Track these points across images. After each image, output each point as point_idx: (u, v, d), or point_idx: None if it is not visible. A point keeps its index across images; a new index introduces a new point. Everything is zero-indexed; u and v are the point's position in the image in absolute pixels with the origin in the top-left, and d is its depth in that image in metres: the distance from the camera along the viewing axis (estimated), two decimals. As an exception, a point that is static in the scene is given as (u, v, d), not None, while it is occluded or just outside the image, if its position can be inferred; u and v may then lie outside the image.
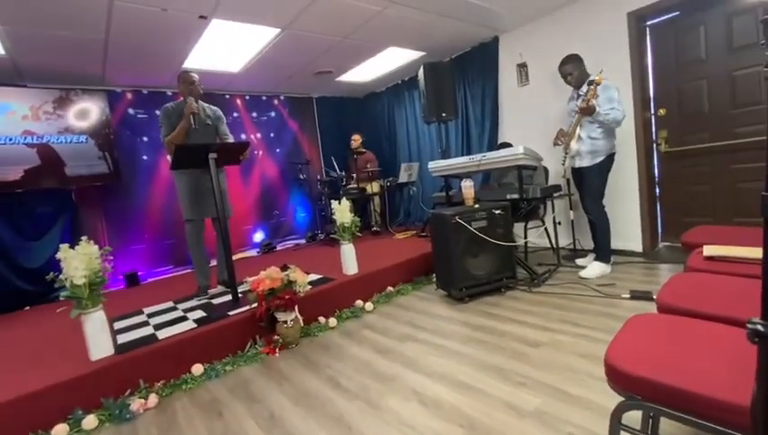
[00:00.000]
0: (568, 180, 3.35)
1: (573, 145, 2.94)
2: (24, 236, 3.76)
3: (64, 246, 1.87)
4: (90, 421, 1.75)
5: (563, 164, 3.10)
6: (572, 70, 3.00)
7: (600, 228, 3.02)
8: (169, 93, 4.64)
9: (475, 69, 4.52)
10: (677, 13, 3.10)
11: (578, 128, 2.90)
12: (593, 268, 2.98)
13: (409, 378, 1.88)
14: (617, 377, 0.88)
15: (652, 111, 3.36)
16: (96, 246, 1.95)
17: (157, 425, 1.75)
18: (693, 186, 3.23)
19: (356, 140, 5.45)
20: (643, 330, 1.03)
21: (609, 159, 2.96)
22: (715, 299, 1.13)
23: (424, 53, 4.48)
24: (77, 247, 1.88)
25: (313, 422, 1.63)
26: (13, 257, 3.65)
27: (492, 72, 4.31)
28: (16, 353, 2.31)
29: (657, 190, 3.43)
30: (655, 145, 3.37)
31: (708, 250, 1.47)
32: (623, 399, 0.89)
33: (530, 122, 4.08)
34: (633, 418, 1.23)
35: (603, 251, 3.03)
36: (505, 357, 1.95)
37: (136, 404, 1.85)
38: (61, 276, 1.86)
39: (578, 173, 3.12)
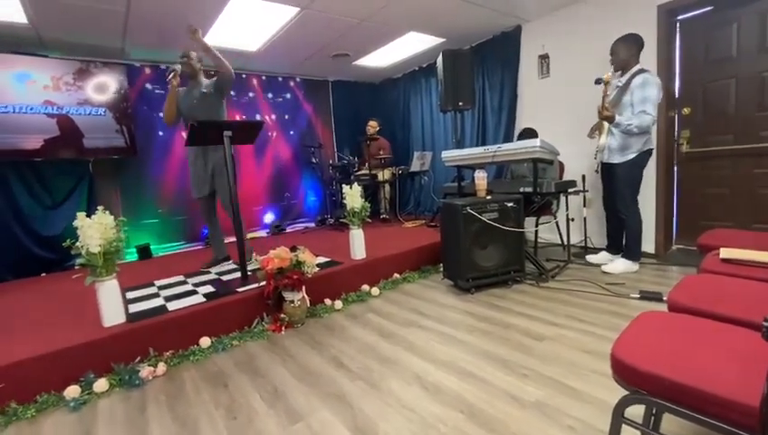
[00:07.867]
0: (583, 176, 3.29)
1: (603, 139, 2.85)
2: (42, 204, 3.85)
3: (81, 215, 1.91)
4: (101, 384, 1.82)
5: (595, 158, 3.00)
6: (618, 50, 2.82)
7: (631, 227, 2.92)
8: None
9: (495, 58, 4.43)
10: (711, 8, 2.98)
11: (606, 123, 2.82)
12: (618, 264, 2.94)
13: (412, 362, 1.90)
14: (623, 371, 0.88)
15: (676, 110, 3.26)
16: (112, 217, 1.99)
17: (165, 392, 1.81)
18: (712, 188, 3.15)
19: (372, 126, 5.38)
20: (653, 326, 1.02)
21: (642, 155, 2.81)
22: (729, 301, 1.11)
23: (444, 40, 4.40)
24: (93, 217, 1.92)
25: (315, 399, 1.66)
26: (30, 224, 3.74)
27: (512, 63, 4.22)
28: (32, 317, 2.39)
29: (675, 191, 3.36)
30: (676, 145, 3.29)
31: (725, 253, 1.44)
32: (627, 393, 0.89)
33: (548, 115, 4.00)
34: (634, 413, 1.23)
35: (633, 250, 2.94)
36: (509, 348, 1.96)
37: (145, 371, 1.90)
38: (77, 244, 1.91)
39: (607, 169, 3.00)
